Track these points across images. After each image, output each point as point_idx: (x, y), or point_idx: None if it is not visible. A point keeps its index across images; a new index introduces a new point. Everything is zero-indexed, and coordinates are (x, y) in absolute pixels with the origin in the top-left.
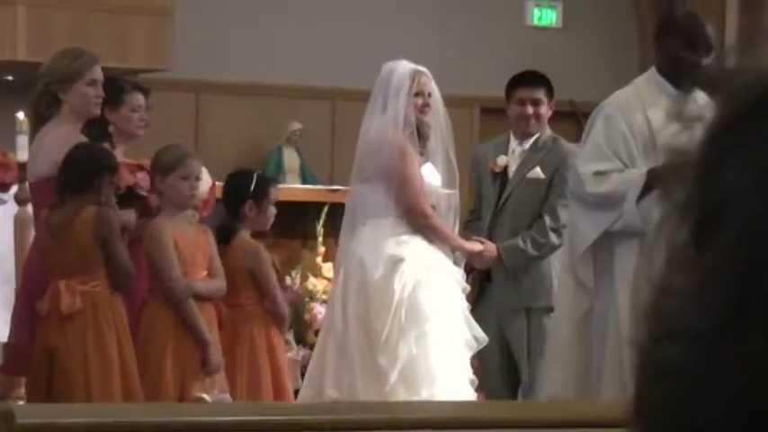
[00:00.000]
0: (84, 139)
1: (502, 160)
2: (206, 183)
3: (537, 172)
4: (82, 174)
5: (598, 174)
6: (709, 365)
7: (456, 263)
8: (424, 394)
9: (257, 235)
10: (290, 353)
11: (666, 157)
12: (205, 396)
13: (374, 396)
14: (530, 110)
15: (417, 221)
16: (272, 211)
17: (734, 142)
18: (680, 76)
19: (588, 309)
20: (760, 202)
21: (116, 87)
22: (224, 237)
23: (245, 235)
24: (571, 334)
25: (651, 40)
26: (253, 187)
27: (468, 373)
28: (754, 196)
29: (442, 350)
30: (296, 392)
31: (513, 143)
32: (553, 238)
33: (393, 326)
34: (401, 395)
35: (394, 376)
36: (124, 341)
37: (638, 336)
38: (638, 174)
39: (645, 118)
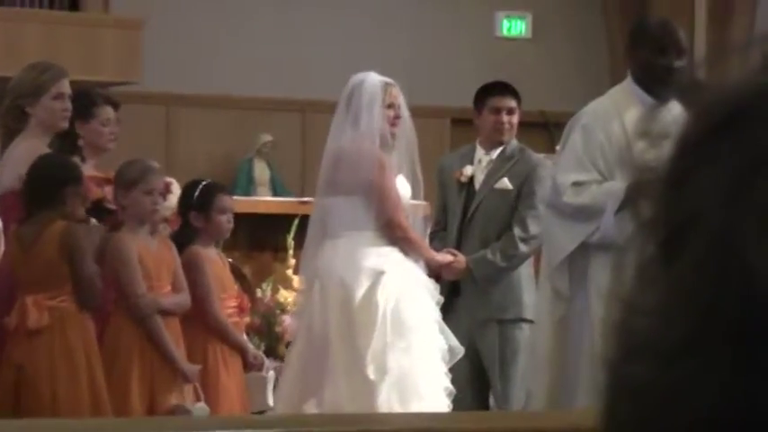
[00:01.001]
0: (48, 152)
1: (468, 170)
2: (176, 196)
3: (505, 182)
4: (46, 186)
5: (576, 184)
6: (677, 382)
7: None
8: (414, 405)
9: (229, 247)
10: (262, 371)
11: (634, 174)
12: (189, 405)
13: (363, 410)
14: (504, 118)
15: (395, 234)
16: (224, 219)
17: (701, 158)
18: (654, 83)
19: (564, 317)
20: (726, 218)
21: (86, 101)
22: (177, 248)
23: (192, 248)
24: (549, 343)
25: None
26: (196, 196)
27: (445, 384)
28: (721, 213)
29: (427, 361)
30: (261, 412)
31: (480, 153)
32: (523, 248)
33: (379, 339)
34: (394, 407)
35: (384, 389)
36: (92, 356)
37: (607, 353)
38: (618, 186)
39: (622, 127)
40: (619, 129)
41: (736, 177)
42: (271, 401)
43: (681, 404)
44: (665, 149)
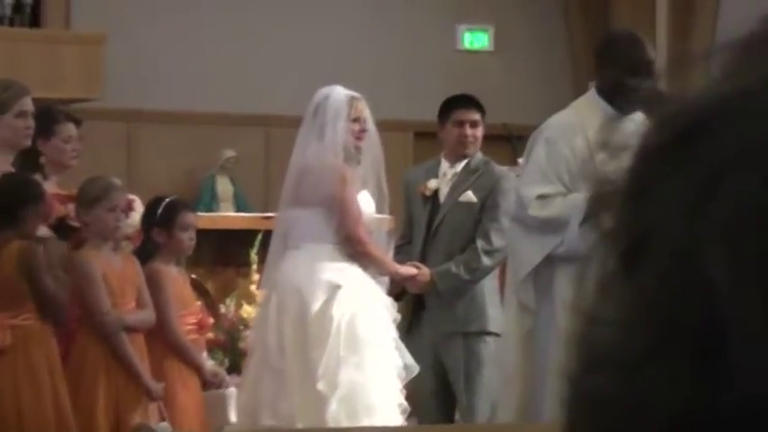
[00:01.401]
0: (11, 170)
1: (432, 183)
2: (139, 213)
3: (469, 195)
4: (6, 205)
5: (541, 197)
6: (639, 394)
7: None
8: (364, 421)
9: (192, 263)
10: (224, 388)
11: (594, 185)
12: (154, 424)
13: (314, 423)
14: (468, 131)
15: (355, 249)
16: (186, 236)
17: (661, 170)
18: (620, 100)
19: (530, 330)
20: (686, 230)
21: (48, 118)
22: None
23: (153, 265)
24: (517, 356)
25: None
26: (159, 213)
27: (400, 400)
28: (680, 224)
29: (379, 377)
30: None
31: (445, 166)
32: (486, 261)
33: (332, 352)
34: (342, 422)
35: (334, 403)
36: (56, 374)
37: (569, 366)
38: (582, 198)
39: (585, 140)
40: (582, 141)
41: (697, 189)
42: (233, 418)
43: (643, 415)
44: (626, 161)
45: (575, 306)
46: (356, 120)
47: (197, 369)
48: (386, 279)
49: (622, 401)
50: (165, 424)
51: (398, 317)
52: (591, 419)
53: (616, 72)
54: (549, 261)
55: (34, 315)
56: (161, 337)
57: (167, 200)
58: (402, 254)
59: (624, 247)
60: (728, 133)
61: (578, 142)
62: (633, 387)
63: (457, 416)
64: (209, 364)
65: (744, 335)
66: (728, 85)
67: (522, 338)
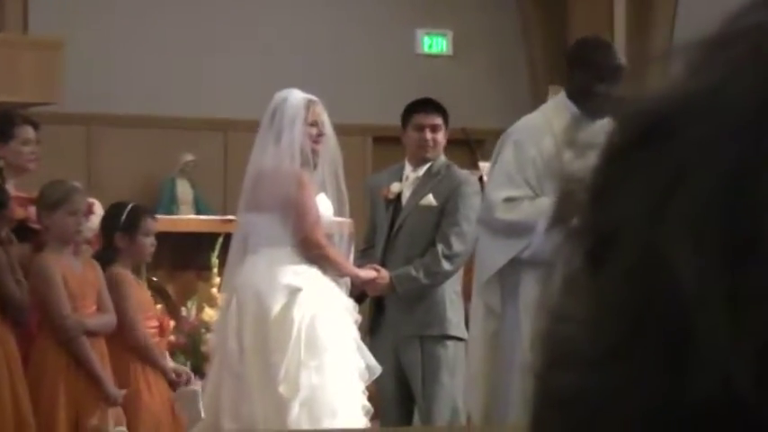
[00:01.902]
0: None
1: (395, 187)
2: (98, 216)
3: (429, 199)
4: None
5: (508, 200)
6: (605, 391)
7: (344, 292)
8: (326, 424)
9: (152, 266)
10: (194, 385)
11: (560, 184)
12: (110, 428)
13: (275, 427)
14: (428, 135)
15: (312, 252)
16: (149, 242)
17: (625, 168)
18: (589, 104)
19: (496, 333)
20: (648, 228)
21: (5, 121)
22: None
23: (114, 268)
24: (483, 359)
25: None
26: (124, 218)
27: (363, 402)
28: (642, 223)
29: (340, 380)
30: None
31: (408, 170)
32: (446, 265)
33: (293, 356)
34: (303, 425)
35: (296, 407)
36: (16, 376)
37: (535, 363)
38: (549, 203)
39: (554, 142)
40: (550, 143)
41: (660, 187)
42: (203, 414)
43: (610, 412)
44: (592, 159)
45: (541, 304)
46: (313, 123)
47: (161, 370)
48: (347, 281)
49: (589, 399)
50: (122, 428)
51: (359, 318)
52: (557, 417)
53: (585, 77)
54: (515, 265)
55: None
56: (125, 341)
57: (130, 205)
58: (366, 258)
59: (589, 245)
60: (691, 131)
61: (546, 143)
62: (600, 384)
63: (416, 418)
64: (169, 362)
65: (709, 330)
66: (692, 84)
67: (486, 341)
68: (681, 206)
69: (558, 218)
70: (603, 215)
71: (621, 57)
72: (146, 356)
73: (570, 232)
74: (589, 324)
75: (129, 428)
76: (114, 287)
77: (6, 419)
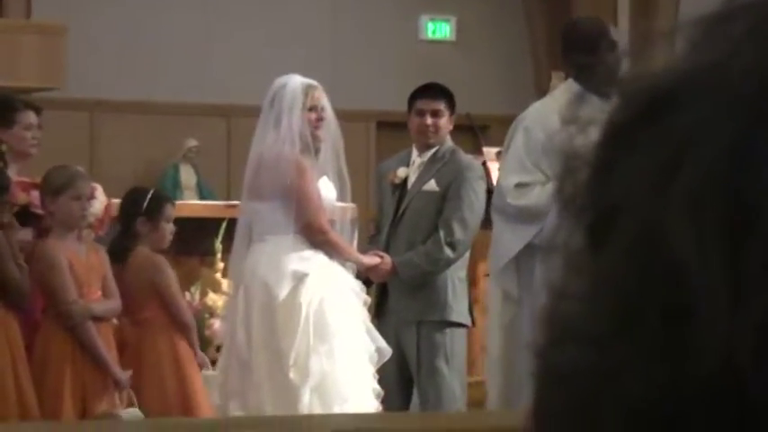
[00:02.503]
0: None
1: (401, 172)
2: (101, 201)
3: (432, 184)
4: None
5: (520, 186)
6: (607, 369)
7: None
8: (337, 409)
9: (157, 252)
10: (209, 370)
11: (562, 161)
12: (117, 412)
13: (287, 413)
14: (429, 121)
15: (315, 238)
16: (169, 228)
17: (626, 145)
18: (591, 81)
19: (514, 318)
20: (652, 204)
21: (8, 106)
22: (118, 254)
23: (142, 250)
24: (501, 345)
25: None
26: (147, 203)
27: (373, 385)
28: (644, 199)
29: (351, 364)
30: None
31: (414, 155)
32: (448, 252)
33: (302, 342)
34: (315, 411)
35: (306, 392)
36: (18, 360)
37: (538, 341)
38: None
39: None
40: (558, 121)
41: (662, 163)
42: (217, 400)
43: (611, 390)
44: (594, 135)
45: (543, 281)
46: (312, 108)
47: (194, 350)
48: (353, 265)
49: (591, 376)
50: (134, 409)
51: (368, 300)
52: (559, 394)
53: (578, 53)
54: (531, 250)
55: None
56: (168, 319)
57: (152, 190)
58: (373, 244)
59: (591, 222)
60: (693, 107)
61: (554, 123)
62: (601, 362)
63: (415, 403)
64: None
65: (709, 306)
66: (693, 60)
67: (505, 327)
68: (682, 182)
69: (560, 194)
70: (605, 191)
71: (615, 32)
72: (187, 333)
73: (571, 209)
74: (590, 301)
75: (160, 407)
76: (156, 269)
77: (10, 406)
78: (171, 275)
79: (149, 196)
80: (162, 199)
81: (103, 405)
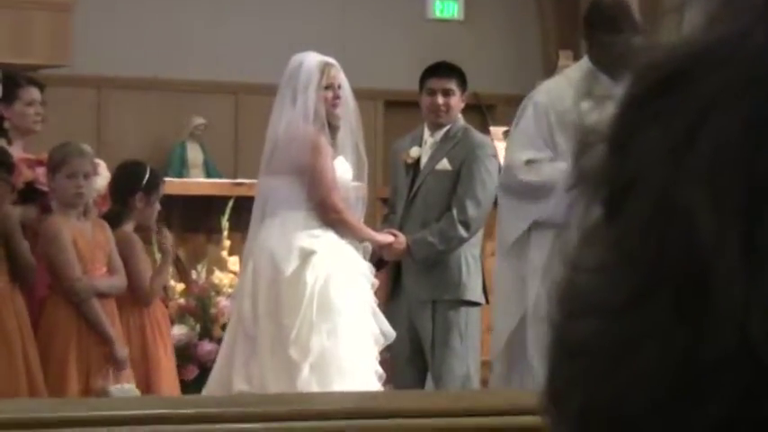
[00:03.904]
0: None
1: (414, 151)
2: (104, 178)
3: (444, 163)
4: None
5: (530, 162)
6: (621, 341)
7: (364, 256)
8: (335, 387)
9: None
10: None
11: (578, 135)
12: (111, 387)
13: (286, 389)
14: (440, 100)
15: (329, 216)
16: (158, 206)
17: (642, 118)
18: (612, 63)
19: (521, 296)
20: (667, 177)
21: (10, 83)
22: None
23: (125, 227)
24: (508, 322)
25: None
26: (146, 179)
27: (375, 367)
28: (661, 172)
29: (352, 344)
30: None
31: (426, 134)
32: (461, 231)
33: (305, 318)
34: (313, 388)
35: (306, 369)
36: (26, 335)
37: (552, 314)
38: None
39: (573, 96)
40: (570, 98)
41: (679, 135)
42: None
43: (627, 362)
44: (609, 109)
45: (558, 254)
46: (329, 87)
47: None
48: (367, 246)
49: (606, 348)
50: (130, 386)
51: (377, 282)
52: (574, 367)
53: (601, 33)
54: (539, 228)
55: (6, 277)
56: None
57: (149, 167)
58: (387, 223)
59: (607, 195)
60: (711, 79)
61: (566, 102)
62: (617, 334)
63: (429, 382)
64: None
65: (725, 279)
66: (711, 32)
67: (511, 304)
68: (699, 154)
69: (576, 168)
70: (621, 164)
71: (638, 15)
72: (143, 304)
73: (588, 182)
74: (606, 273)
75: (148, 390)
76: (125, 245)
77: (19, 379)
78: (140, 250)
79: (149, 172)
80: (159, 176)
81: (99, 381)
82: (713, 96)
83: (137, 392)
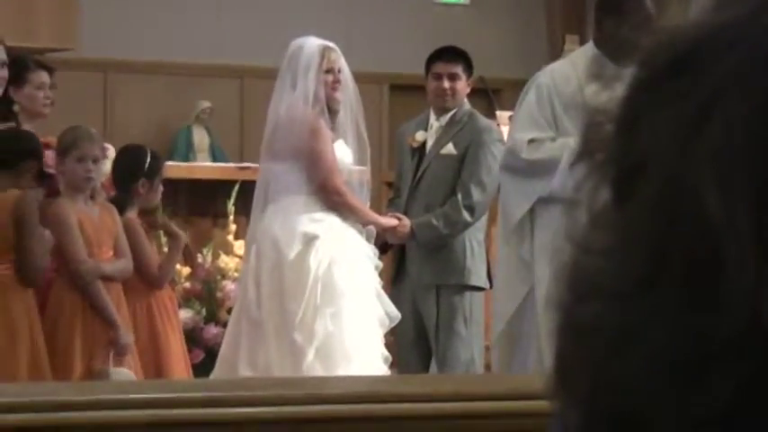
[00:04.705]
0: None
1: (420, 135)
2: (111, 161)
3: (450, 148)
4: (5, 157)
5: (532, 141)
6: (629, 323)
7: (368, 239)
8: (340, 371)
9: (170, 214)
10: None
11: (586, 116)
12: (108, 369)
13: (290, 373)
14: (446, 84)
15: (331, 199)
16: (161, 188)
17: (651, 100)
18: (619, 53)
19: (524, 279)
20: (677, 159)
21: (19, 66)
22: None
23: (129, 214)
24: (509, 306)
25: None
26: (147, 164)
27: (381, 350)
28: (672, 153)
29: (357, 327)
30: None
31: (432, 118)
32: (465, 215)
33: (309, 303)
34: (318, 372)
35: (311, 353)
36: (33, 322)
37: (559, 296)
38: (573, 141)
39: (580, 89)
40: (576, 90)
41: (690, 118)
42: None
43: (635, 344)
44: (618, 91)
45: (566, 235)
46: (329, 71)
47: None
48: (371, 229)
49: (615, 330)
50: (125, 370)
51: (381, 265)
52: (582, 349)
53: (611, 23)
54: (543, 209)
55: (14, 264)
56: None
57: (149, 151)
58: (392, 207)
59: (616, 176)
60: (722, 62)
61: (572, 90)
62: (626, 316)
63: (433, 367)
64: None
65: (736, 262)
66: (722, 15)
67: (514, 287)
68: (710, 137)
69: (584, 150)
70: (631, 146)
71: (651, 5)
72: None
73: (596, 164)
74: (615, 256)
75: (159, 375)
76: (134, 234)
77: (23, 365)
78: (142, 235)
79: (150, 156)
80: (159, 159)
81: (98, 363)
82: (723, 79)
83: (131, 376)
